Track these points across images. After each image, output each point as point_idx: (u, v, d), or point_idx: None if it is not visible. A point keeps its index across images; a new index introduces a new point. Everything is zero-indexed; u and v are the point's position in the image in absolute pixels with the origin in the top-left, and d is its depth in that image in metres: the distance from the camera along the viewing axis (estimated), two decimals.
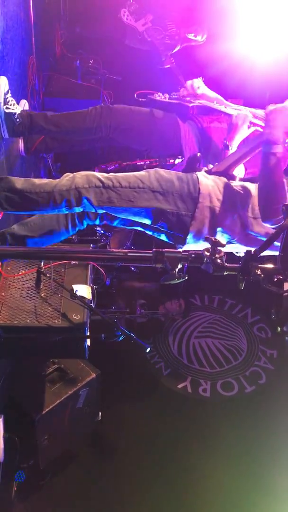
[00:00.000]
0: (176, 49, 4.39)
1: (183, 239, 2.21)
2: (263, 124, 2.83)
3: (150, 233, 2.34)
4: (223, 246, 1.33)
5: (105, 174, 2.23)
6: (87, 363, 3.41)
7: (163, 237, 2.31)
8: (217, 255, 1.32)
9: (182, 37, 4.34)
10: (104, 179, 2.19)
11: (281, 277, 1.33)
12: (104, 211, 2.29)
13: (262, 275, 1.32)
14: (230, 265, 1.35)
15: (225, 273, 1.34)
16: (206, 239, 1.36)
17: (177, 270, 1.34)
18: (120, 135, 3.02)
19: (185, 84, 3.12)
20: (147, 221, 2.26)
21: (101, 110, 2.98)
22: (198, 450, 3.88)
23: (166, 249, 1.36)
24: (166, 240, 2.30)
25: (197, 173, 2.26)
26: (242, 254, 2.19)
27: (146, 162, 3.21)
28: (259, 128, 2.84)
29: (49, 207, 2.22)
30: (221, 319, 5.15)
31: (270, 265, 1.38)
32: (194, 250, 1.38)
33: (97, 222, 2.43)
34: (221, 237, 2.21)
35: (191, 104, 3.05)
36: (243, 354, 4.84)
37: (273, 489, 3.64)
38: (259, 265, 1.32)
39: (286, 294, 1.33)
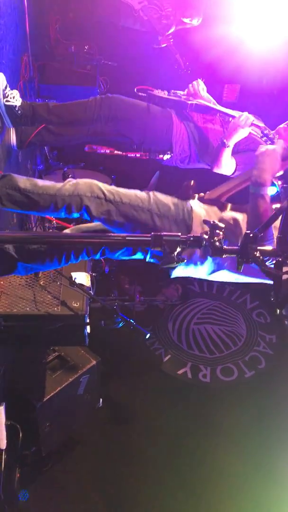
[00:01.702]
0: (172, 30, 4.34)
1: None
2: (260, 124, 2.94)
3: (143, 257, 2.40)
4: (222, 229, 1.33)
5: (108, 187, 2.28)
6: (87, 350, 3.42)
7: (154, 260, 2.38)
8: (215, 238, 1.32)
9: (177, 19, 4.29)
10: (106, 192, 2.24)
11: (280, 259, 1.33)
12: (104, 250, 2.36)
13: (261, 257, 1.32)
14: (229, 247, 1.35)
15: (224, 256, 1.34)
16: (204, 222, 1.36)
17: (175, 253, 1.34)
18: (117, 125, 3.07)
19: (189, 85, 3.18)
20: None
21: (100, 101, 3.01)
22: (198, 434, 3.91)
23: (164, 233, 1.36)
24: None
25: (191, 201, 2.33)
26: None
27: (137, 155, 3.28)
28: (255, 130, 2.91)
29: (49, 209, 2.27)
30: (220, 305, 5.17)
31: (268, 247, 1.38)
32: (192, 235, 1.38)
33: (97, 256, 2.46)
34: (211, 264, 2.28)
35: (190, 102, 3.09)
36: (242, 339, 4.86)
37: (273, 471, 3.68)
38: (258, 248, 1.32)
39: (285, 276, 1.33)
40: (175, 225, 2.23)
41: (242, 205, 2.30)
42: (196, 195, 2.45)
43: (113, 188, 2.29)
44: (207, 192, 2.53)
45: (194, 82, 3.18)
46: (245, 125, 2.87)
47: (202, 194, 2.49)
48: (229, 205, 2.38)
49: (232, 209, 2.37)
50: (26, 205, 2.27)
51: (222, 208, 2.37)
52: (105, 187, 2.27)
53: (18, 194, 2.23)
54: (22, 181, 2.27)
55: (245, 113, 2.94)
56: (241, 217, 2.29)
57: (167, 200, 2.30)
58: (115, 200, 2.21)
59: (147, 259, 2.35)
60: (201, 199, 2.42)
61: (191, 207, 2.29)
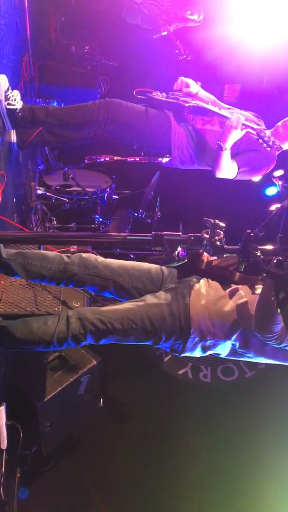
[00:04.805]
0: (172, 27, 4.35)
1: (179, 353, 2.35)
2: (255, 127, 2.95)
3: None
4: (222, 228, 1.34)
5: (97, 313, 2.23)
6: (87, 350, 3.42)
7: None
8: (216, 237, 1.32)
9: (179, 16, 4.30)
10: (97, 322, 2.20)
11: (280, 258, 1.33)
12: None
13: (261, 256, 1.32)
14: (230, 247, 1.35)
15: (224, 255, 1.34)
16: (204, 221, 1.36)
17: (176, 253, 1.34)
18: (115, 129, 3.07)
19: (176, 80, 3.18)
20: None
21: (99, 104, 3.03)
22: (199, 434, 3.91)
23: (165, 232, 1.36)
24: None
25: (191, 300, 2.18)
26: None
27: (136, 159, 3.32)
28: (251, 130, 2.92)
29: (49, 349, 2.31)
30: None
31: (269, 247, 1.38)
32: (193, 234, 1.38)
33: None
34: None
35: (187, 104, 3.10)
36: None
37: (274, 471, 3.69)
38: (259, 247, 1.32)
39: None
40: (172, 337, 2.19)
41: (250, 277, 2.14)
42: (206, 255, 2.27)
43: (102, 313, 2.22)
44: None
45: (179, 79, 3.17)
46: (238, 125, 2.88)
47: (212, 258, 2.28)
48: (237, 275, 2.19)
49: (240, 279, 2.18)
50: (24, 349, 2.33)
51: (230, 276, 2.21)
52: (94, 315, 2.22)
53: (17, 344, 2.28)
54: (19, 331, 2.28)
55: (235, 114, 2.95)
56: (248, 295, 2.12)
57: (162, 310, 2.17)
58: (108, 329, 2.19)
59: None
60: (208, 264, 2.28)
61: (189, 310, 2.15)
